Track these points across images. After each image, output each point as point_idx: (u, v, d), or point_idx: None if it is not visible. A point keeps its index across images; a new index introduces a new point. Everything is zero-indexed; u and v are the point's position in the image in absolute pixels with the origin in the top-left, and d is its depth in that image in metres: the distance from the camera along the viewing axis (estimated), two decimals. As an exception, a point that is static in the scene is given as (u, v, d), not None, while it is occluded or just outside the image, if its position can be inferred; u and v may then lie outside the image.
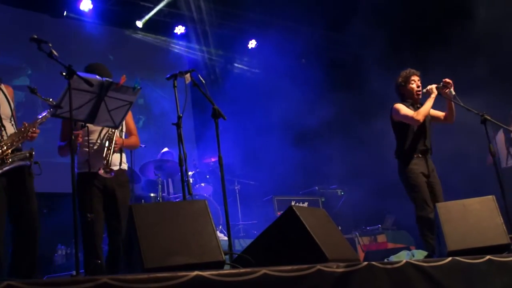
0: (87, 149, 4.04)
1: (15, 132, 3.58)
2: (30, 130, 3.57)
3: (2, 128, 3.57)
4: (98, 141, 4.13)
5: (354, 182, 8.53)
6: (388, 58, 8.05)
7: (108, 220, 4.05)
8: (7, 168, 3.45)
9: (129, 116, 4.33)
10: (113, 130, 4.13)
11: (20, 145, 3.60)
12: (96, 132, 4.13)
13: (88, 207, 3.85)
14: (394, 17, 8.21)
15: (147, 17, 8.45)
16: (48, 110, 3.56)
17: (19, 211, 3.55)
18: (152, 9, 8.74)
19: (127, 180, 4.28)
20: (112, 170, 4.00)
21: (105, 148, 4.09)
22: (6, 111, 3.65)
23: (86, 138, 4.03)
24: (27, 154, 3.54)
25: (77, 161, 4.05)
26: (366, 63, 8.72)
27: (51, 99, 3.51)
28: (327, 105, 9.01)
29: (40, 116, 3.62)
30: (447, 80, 4.81)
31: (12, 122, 3.69)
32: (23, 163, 3.51)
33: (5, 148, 3.47)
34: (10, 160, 3.47)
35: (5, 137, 3.53)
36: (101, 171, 3.96)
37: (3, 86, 3.75)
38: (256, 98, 8.73)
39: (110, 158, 4.06)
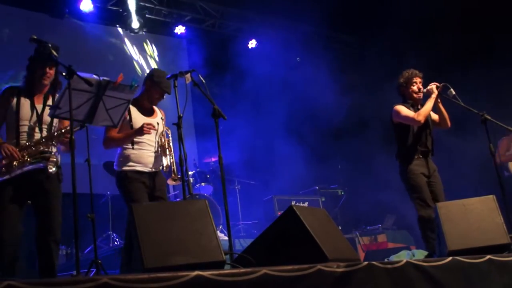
0: (143, 148, 4.23)
1: (42, 137, 3.69)
2: (57, 136, 3.68)
3: (26, 133, 3.68)
4: (156, 143, 4.33)
5: (355, 182, 8.54)
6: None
7: None
8: (26, 168, 3.58)
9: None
10: (164, 135, 4.36)
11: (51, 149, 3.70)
12: (153, 134, 4.29)
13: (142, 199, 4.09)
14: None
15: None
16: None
17: (38, 211, 3.67)
18: (152, 9, 8.74)
19: (165, 180, 4.45)
20: (179, 178, 4.21)
21: (167, 154, 4.34)
22: (45, 119, 3.76)
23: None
24: (46, 157, 3.62)
25: (124, 160, 4.22)
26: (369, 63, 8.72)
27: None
28: (327, 105, 9.01)
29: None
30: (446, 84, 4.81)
31: (42, 127, 3.76)
32: (38, 166, 3.60)
33: (26, 151, 3.60)
34: (29, 160, 3.60)
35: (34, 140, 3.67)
36: (171, 181, 4.26)
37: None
38: (256, 98, 8.73)
39: (175, 166, 4.29)
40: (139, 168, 4.21)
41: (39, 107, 3.76)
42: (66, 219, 3.72)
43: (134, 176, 4.17)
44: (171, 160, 4.34)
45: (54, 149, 3.74)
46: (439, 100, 4.86)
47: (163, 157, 4.35)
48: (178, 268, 2.48)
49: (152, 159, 4.28)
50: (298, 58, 9.84)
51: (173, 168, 4.30)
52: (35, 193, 3.66)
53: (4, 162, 3.57)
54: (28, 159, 3.60)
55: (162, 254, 2.59)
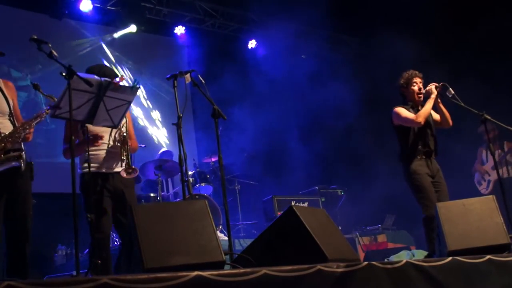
0: (99, 150, 4.05)
1: (8, 133, 3.48)
2: (24, 130, 3.50)
3: None
4: (111, 142, 4.12)
5: (355, 182, 8.54)
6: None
7: (116, 219, 4.05)
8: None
9: (129, 120, 4.33)
10: (124, 132, 4.13)
11: (20, 145, 3.52)
12: (107, 133, 4.10)
13: (97, 207, 3.89)
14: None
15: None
16: (45, 109, 3.50)
17: (10, 212, 3.49)
18: (152, 9, 8.74)
19: (133, 181, 4.29)
20: (134, 170, 4.03)
21: (121, 150, 4.10)
22: (2, 107, 3.56)
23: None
24: (16, 156, 3.43)
25: (84, 161, 4.03)
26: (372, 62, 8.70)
27: (53, 96, 3.48)
28: (327, 105, 9.02)
29: (36, 114, 3.53)
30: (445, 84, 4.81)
31: (11, 119, 3.59)
32: (12, 165, 3.42)
33: None
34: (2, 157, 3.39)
35: None
36: (124, 173, 3.99)
37: (1, 82, 3.66)
38: (255, 98, 8.73)
39: (129, 159, 4.08)
40: (95, 169, 4.02)
41: None
42: (66, 220, 3.71)
43: (92, 180, 3.96)
44: (125, 153, 4.11)
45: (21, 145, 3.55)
46: (439, 100, 4.86)
47: (122, 153, 4.11)
48: (178, 268, 2.48)
49: (106, 159, 4.06)
50: (303, 56, 9.84)
51: (127, 161, 4.07)
52: (8, 193, 3.48)
53: None
54: (2, 156, 3.40)
55: (162, 255, 2.59)
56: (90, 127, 3.92)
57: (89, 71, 4.10)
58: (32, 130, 3.57)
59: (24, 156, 3.44)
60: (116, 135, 4.13)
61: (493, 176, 6.82)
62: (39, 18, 7.88)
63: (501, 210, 3.87)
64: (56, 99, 3.46)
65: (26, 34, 3.37)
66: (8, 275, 3.40)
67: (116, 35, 8.65)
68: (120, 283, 2.00)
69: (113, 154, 4.10)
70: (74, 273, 3.24)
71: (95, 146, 4.00)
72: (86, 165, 3.90)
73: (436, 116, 5.02)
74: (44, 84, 3.66)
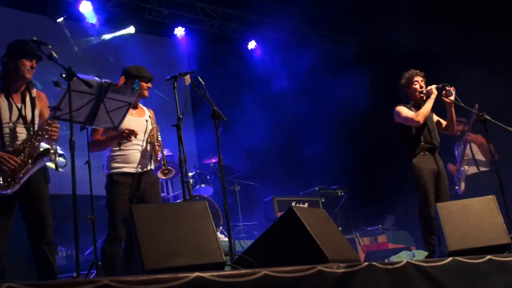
0: (132, 149, 4.14)
1: (29, 134, 3.60)
2: (47, 128, 3.60)
3: (9, 135, 3.58)
4: (144, 142, 4.23)
5: (355, 182, 8.55)
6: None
7: None
8: (32, 170, 3.53)
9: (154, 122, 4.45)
10: (158, 136, 4.25)
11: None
12: (141, 133, 4.21)
13: (121, 206, 3.98)
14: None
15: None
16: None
17: (28, 215, 3.59)
18: (151, 10, 8.75)
19: (158, 180, 4.41)
20: (171, 170, 4.09)
21: (155, 150, 4.21)
22: (27, 116, 3.67)
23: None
24: (45, 151, 3.57)
25: (111, 162, 4.14)
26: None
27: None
28: (327, 105, 9.02)
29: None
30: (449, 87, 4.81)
31: (31, 127, 3.67)
32: (44, 161, 3.57)
33: (23, 153, 3.52)
34: (30, 162, 3.53)
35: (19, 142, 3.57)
36: (161, 174, 4.08)
37: (34, 92, 3.76)
38: (255, 99, 8.74)
39: (165, 160, 4.21)
40: (125, 169, 4.13)
41: (18, 105, 3.63)
42: (66, 221, 3.71)
43: (120, 179, 4.08)
44: (161, 155, 4.27)
45: (42, 144, 3.66)
46: (452, 105, 4.87)
47: (153, 153, 4.25)
48: (178, 269, 2.48)
49: (138, 159, 4.18)
50: (306, 59, 9.85)
51: (163, 162, 4.23)
52: (24, 196, 3.56)
53: (8, 172, 3.46)
54: (29, 161, 3.53)
55: (162, 256, 2.59)
56: (125, 123, 3.99)
57: (128, 70, 4.27)
58: (56, 127, 3.62)
59: (52, 150, 3.56)
60: (148, 136, 4.25)
61: (463, 174, 6.76)
62: (39, 20, 7.88)
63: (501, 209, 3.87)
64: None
65: (26, 36, 3.37)
66: (40, 278, 3.53)
67: (115, 35, 8.63)
68: (121, 284, 2.00)
69: (144, 154, 4.21)
70: (75, 274, 3.25)
71: (127, 142, 4.08)
72: (116, 164, 4.05)
73: (438, 120, 5.04)
74: (45, 85, 3.66)
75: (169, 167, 4.17)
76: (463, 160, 6.61)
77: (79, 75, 3.34)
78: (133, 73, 4.24)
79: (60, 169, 3.63)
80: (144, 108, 4.51)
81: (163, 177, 4.16)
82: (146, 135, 4.28)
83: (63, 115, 3.42)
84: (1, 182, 3.44)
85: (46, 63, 3.55)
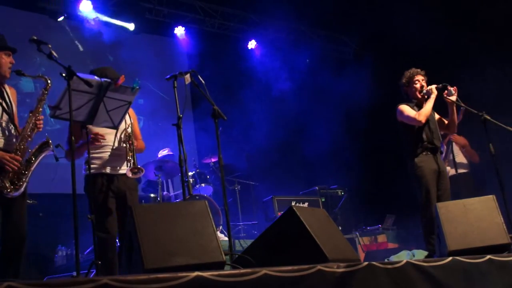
0: (104, 151, 4.06)
1: (23, 130, 3.59)
2: (34, 121, 3.60)
3: (12, 129, 3.58)
4: (116, 143, 4.13)
5: (355, 181, 8.54)
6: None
7: (118, 220, 4.07)
8: (34, 165, 3.55)
9: (134, 120, 4.34)
10: (129, 132, 4.15)
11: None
12: (112, 134, 4.11)
13: (102, 207, 3.92)
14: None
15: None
16: (43, 89, 3.60)
17: (6, 218, 3.51)
18: (152, 10, 8.74)
19: (137, 184, 4.32)
20: (140, 169, 4.04)
21: (127, 150, 4.10)
22: (13, 111, 3.66)
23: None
24: (44, 144, 3.60)
25: (86, 162, 4.03)
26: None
27: (43, 75, 3.59)
28: (328, 105, 9.02)
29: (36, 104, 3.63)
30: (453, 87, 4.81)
31: (14, 123, 3.66)
32: (48, 153, 3.59)
33: (21, 150, 3.52)
34: (33, 158, 3.55)
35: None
36: (129, 173, 3.99)
37: (6, 87, 3.72)
38: (255, 99, 8.74)
39: (135, 159, 4.08)
40: (102, 170, 4.05)
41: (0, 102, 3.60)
42: (66, 220, 3.71)
43: (96, 181, 4.00)
44: (131, 153, 4.13)
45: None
46: (453, 105, 4.86)
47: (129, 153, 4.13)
48: (178, 268, 2.48)
49: (111, 160, 4.08)
50: (307, 60, 9.85)
51: (133, 161, 4.08)
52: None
53: (11, 174, 3.45)
54: (32, 158, 3.55)
55: (162, 255, 2.59)
56: (94, 128, 3.92)
57: (92, 73, 4.10)
58: (40, 118, 3.62)
59: (50, 141, 3.58)
60: (122, 136, 4.13)
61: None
62: (39, 19, 7.88)
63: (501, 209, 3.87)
64: (46, 78, 3.58)
65: (26, 35, 3.37)
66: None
67: (113, 21, 8.56)
68: (121, 283, 2.00)
69: (118, 155, 4.12)
70: (75, 273, 3.25)
71: (97, 145, 3.99)
72: (92, 166, 3.94)
73: (439, 119, 5.03)
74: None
75: (139, 166, 4.09)
76: (445, 161, 6.59)
77: (79, 74, 3.34)
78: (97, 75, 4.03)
79: (59, 159, 3.65)
80: None
81: (132, 176, 4.05)
82: (120, 135, 4.15)
83: (62, 114, 3.42)
84: (7, 185, 3.45)
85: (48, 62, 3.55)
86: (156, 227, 2.69)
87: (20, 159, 3.50)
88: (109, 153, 4.09)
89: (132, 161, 4.07)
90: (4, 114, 3.57)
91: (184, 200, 4.13)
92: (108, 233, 3.92)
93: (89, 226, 3.82)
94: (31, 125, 3.59)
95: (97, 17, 8.10)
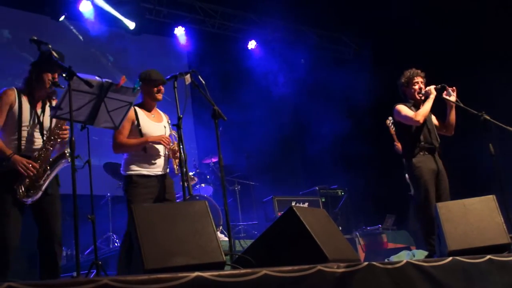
0: (151, 153, 4.19)
1: (46, 139, 3.67)
2: (58, 132, 3.66)
3: (26, 139, 3.65)
4: (167, 151, 4.29)
5: (355, 181, 8.55)
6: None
7: None
8: (52, 176, 3.63)
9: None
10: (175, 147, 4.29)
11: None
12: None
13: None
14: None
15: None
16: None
17: (41, 215, 3.65)
18: (151, 10, 8.74)
19: (173, 181, 4.44)
20: (193, 179, 4.16)
21: (174, 156, 4.29)
22: (45, 123, 3.74)
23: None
24: (60, 156, 3.65)
25: (131, 164, 4.17)
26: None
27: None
28: (327, 105, 9.02)
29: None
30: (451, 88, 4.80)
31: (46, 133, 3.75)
32: (64, 164, 3.64)
33: (40, 160, 3.59)
34: (49, 167, 3.61)
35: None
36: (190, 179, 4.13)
37: (54, 102, 3.80)
38: (255, 98, 8.74)
39: (186, 168, 4.22)
40: (145, 172, 4.17)
41: (38, 111, 3.72)
42: (66, 220, 3.72)
43: (139, 181, 4.13)
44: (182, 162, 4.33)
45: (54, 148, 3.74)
46: (452, 106, 4.86)
47: (173, 160, 4.33)
48: (178, 269, 2.48)
49: (160, 163, 4.25)
50: (302, 60, 9.85)
51: (185, 170, 4.26)
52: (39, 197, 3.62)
53: (27, 180, 3.52)
54: (48, 167, 3.60)
55: (162, 255, 2.59)
56: (146, 127, 4.22)
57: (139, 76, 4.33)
58: (65, 129, 3.68)
59: (68, 153, 3.62)
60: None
61: None
62: (39, 19, 7.88)
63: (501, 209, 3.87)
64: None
65: (26, 35, 3.37)
66: (43, 275, 3.60)
67: (113, 13, 8.56)
68: (121, 284, 2.00)
69: (164, 158, 4.29)
70: (75, 274, 3.25)
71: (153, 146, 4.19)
72: (136, 167, 4.13)
73: (436, 120, 5.03)
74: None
75: (192, 175, 4.27)
76: None
77: (79, 74, 3.34)
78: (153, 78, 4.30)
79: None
80: (161, 112, 4.54)
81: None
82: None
83: (63, 115, 3.42)
84: (21, 191, 3.50)
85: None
86: (156, 227, 2.69)
87: (37, 166, 3.55)
88: (157, 156, 4.26)
89: (185, 169, 4.22)
90: (38, 124, 3.68)
91: (184, 201, 4.13)
92: None
93: (89, 226, 3.82)
94: (55, 136, 3.67)
95: (97, 14, 8.11)
